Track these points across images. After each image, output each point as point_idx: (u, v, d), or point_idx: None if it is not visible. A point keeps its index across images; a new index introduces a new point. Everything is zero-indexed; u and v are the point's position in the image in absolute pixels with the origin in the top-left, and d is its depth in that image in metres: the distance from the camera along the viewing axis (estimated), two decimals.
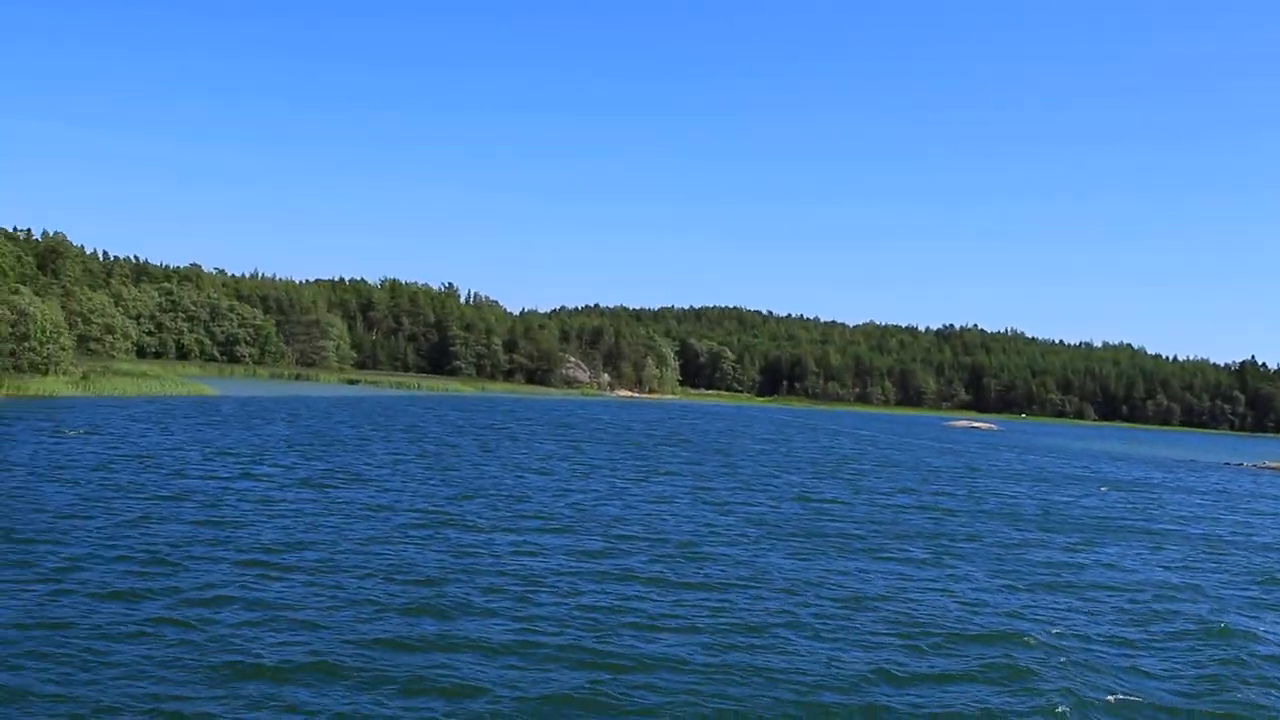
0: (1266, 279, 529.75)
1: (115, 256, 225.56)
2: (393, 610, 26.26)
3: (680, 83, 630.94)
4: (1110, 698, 22.29)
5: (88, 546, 31.01)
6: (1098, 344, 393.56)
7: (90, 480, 45.21)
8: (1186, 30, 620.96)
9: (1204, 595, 34.63)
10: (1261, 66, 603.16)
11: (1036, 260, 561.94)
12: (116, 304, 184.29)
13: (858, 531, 45.81)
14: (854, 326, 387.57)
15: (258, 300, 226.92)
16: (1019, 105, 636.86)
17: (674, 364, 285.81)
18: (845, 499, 58.61)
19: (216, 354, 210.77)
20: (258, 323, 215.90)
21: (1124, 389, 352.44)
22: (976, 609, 30.17)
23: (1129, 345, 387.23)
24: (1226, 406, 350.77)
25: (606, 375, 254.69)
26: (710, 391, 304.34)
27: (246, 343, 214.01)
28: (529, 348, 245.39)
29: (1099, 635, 28.03)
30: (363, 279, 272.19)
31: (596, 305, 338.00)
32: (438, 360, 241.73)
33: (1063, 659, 24.91)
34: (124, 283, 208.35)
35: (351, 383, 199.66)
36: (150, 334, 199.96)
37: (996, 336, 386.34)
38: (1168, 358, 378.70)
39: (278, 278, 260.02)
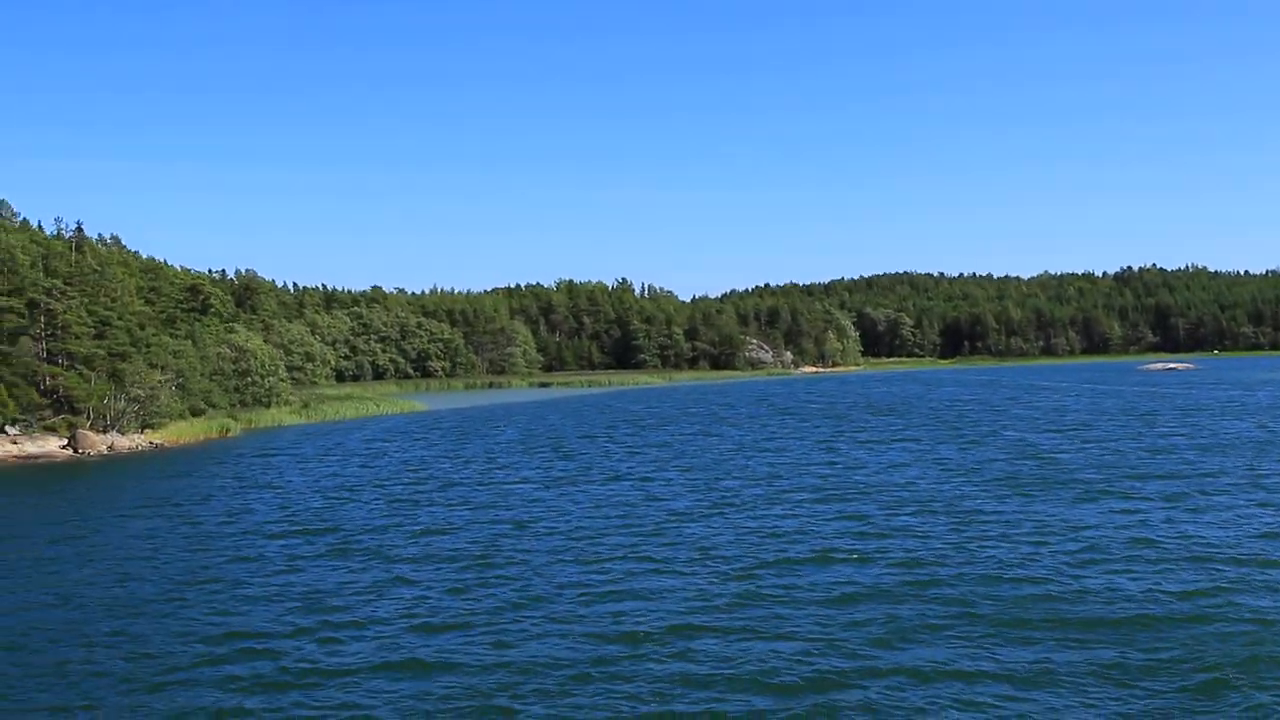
0: None
1: (304, 287, 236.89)
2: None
3: (847, 63, 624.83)
4: None
5: (428, 550, 34.58)
6: None
7: (377, 496, 49.15)
8: None
9: None
10: None
11: (1211, 189, 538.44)
12: (312, 332, 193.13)
13: (1111, 476, 46.81)
14: (1029, 279, 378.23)
15: (443, 315, 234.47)
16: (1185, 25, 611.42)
17: (854, 335, 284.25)
18: (1083, 447, 59.47)
19: (410, 370, 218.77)
20: (446, 336, 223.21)
21: None
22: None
23: None
24: None
25: (789, 353, 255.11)
26: (892, 359, 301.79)
27: (438, 357, 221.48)
28: (710, 334, 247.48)
29: None
30: (539, 283, 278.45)
31: (766, 285, 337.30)
32: (622, 355, 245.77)
33: None
34: (316, 311, 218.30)
35: (544, 385, 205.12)
36: (346, 358, 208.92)
37: (1178, 274, 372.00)
38: None
39: (457, 291, 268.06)
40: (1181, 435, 65.89)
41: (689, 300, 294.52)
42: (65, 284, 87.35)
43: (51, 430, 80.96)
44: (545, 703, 20.15)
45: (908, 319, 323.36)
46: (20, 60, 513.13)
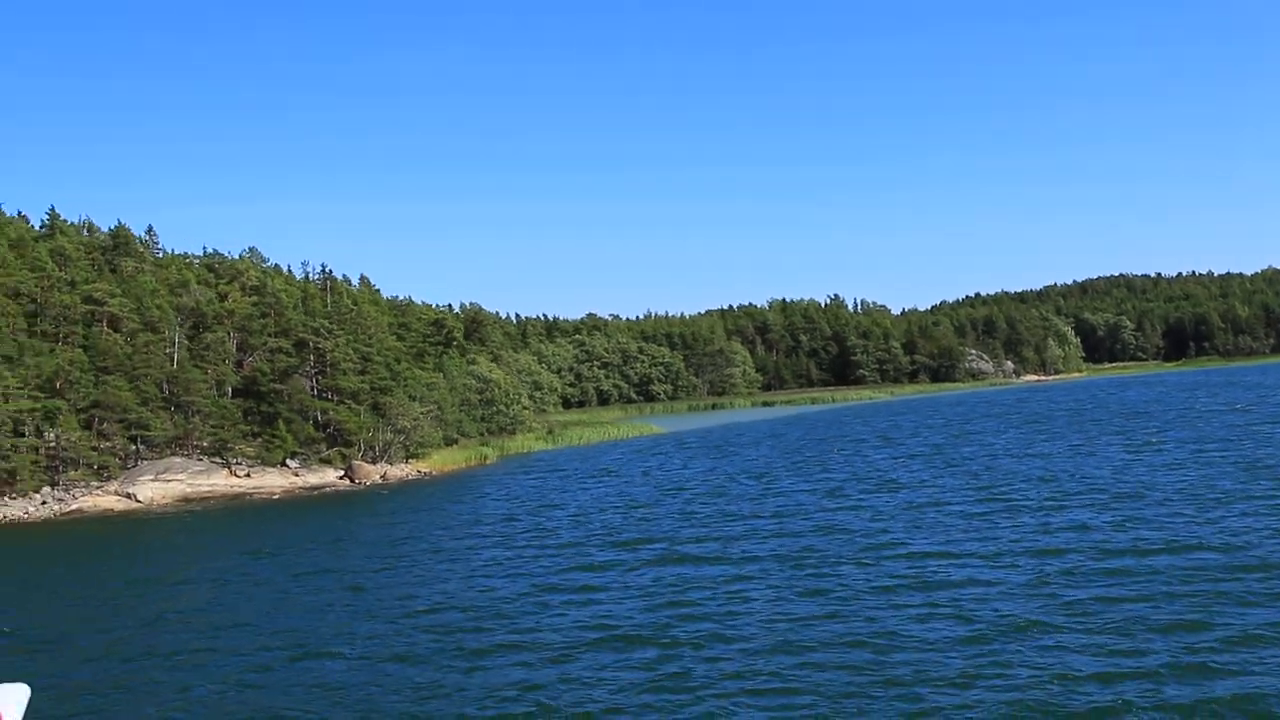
0: None
1: (526, 317, 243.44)
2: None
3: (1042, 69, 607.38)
4: None
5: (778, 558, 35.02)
6: None
7: (669, 509, 50.06)
8: None
9: None
10: None
11: None
12: (539, 361, 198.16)
13: None
14: (1253, 275, 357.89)
15: (661, 338, 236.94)
16: None
17: (1074, 341, 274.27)
18: None
19: (633, 394, 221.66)
20: (667, 360, 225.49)
21: None
22: None
23: None
24: None
25: (1009, 362, 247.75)
26: (1114, 365, 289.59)
27: (659, 380, 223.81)
28: (928, 346, 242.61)
29: None
30: (752, 303, 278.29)
31: (977, 294, 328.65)
32: (840, 371, 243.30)
33: None
34: (540, 340, 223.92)
35: (767, 404, 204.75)
36: (571, 385, 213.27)
37: None
38: None
39: (673, 315, 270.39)
40: None
41: (900, 313, 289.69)
42: (329, 323, 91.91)
43: (327, 462, 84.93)
44: (949, 689, 20.57)
45: (1128, 322, 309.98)
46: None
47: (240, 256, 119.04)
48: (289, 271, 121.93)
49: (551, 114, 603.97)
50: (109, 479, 73.56)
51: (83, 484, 72.20)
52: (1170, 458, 56.77)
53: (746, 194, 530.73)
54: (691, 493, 57.54)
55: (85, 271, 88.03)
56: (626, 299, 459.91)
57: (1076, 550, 32.49)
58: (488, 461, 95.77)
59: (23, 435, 71.33)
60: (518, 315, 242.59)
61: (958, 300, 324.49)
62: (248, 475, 78.98)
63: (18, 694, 13.21)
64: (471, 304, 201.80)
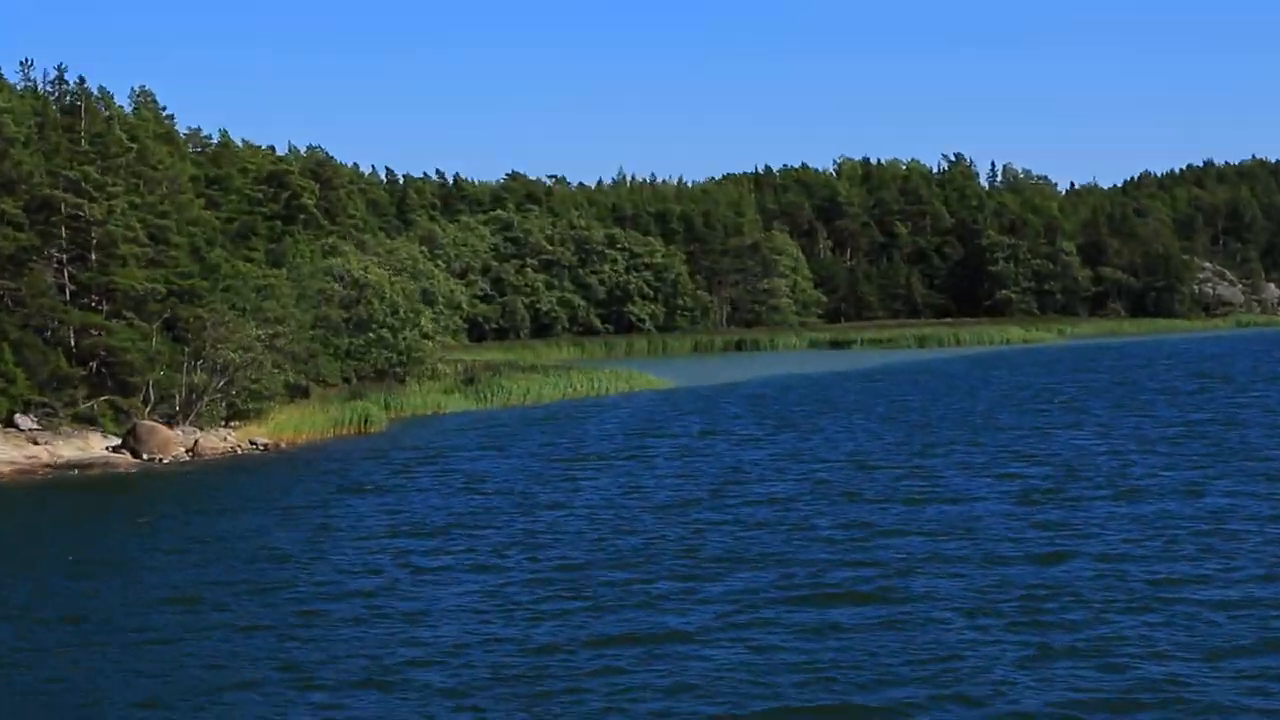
0: None
1: (408, 176, 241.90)
2: None
3: None
4: None
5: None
6: None
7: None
8: None
9: None
10: None
11: None
12: (430, 253, 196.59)
13: None
14: None
15: (648, 222, 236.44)
16: None
17: None
18: None
19: (595, 320, 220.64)
20: (659, 259, 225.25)
21: None
22: None
23: None
24: None
25: (1273, 286, 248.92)
26: None
27: (643, 296, 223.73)
28: (1125, 252, 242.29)
29: None
30: (806, 164, 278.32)
31: (1209, 164, 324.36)
32: (967, 290, 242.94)
33: None
34: (432, 218, 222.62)
35: (837, 345, 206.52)
36: (484, 298, 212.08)
37: None
38: None
39: (666, 180, 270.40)
40: None
41: (1071, 191, 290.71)
42: (94, 169, 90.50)
43: (88, 421, 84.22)
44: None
45: None
46: None
47: None
48: (4, 80, 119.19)
49: None
50: None
51: None
52: None
53: None
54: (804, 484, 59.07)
55: None
56: (583, 152, 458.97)
57: None
58: (371, 429, 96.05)
59: None
60: (390, 173, 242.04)
61: (1174, 172, 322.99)
62: None
63: None
64: (313, 149, 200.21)
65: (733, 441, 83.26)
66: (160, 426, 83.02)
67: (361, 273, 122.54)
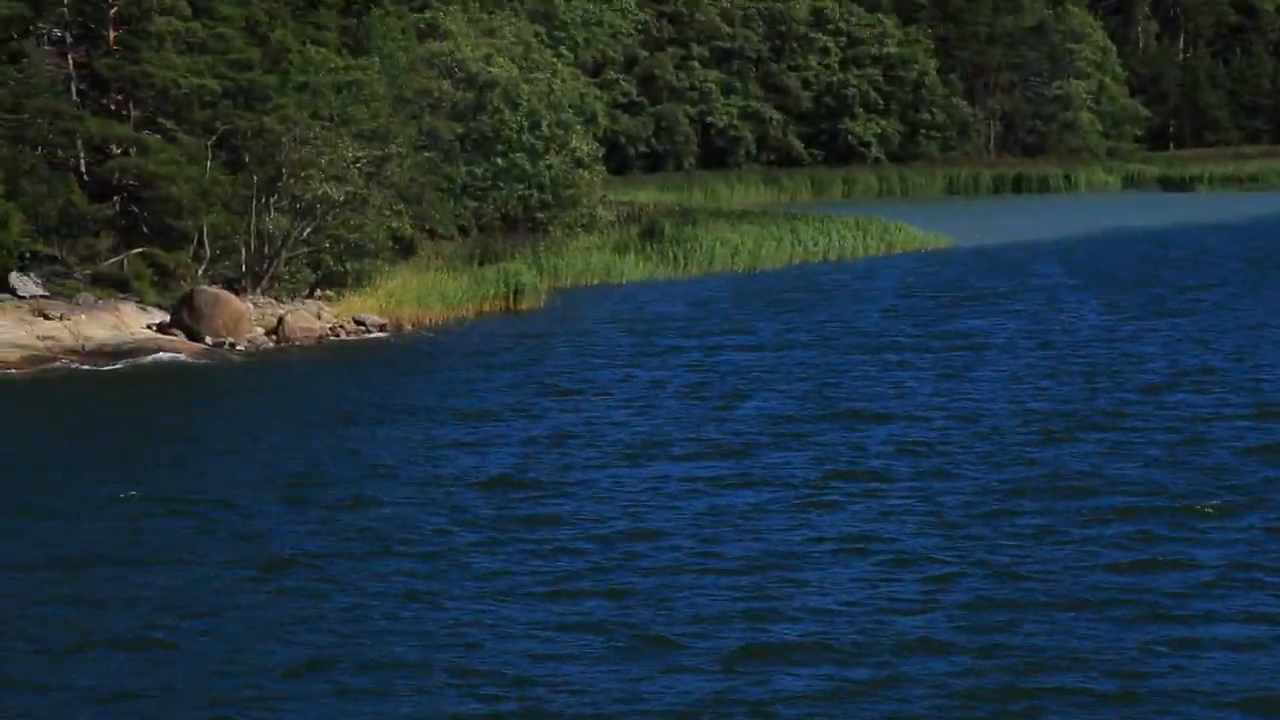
0: None
1: None
2: None
3: None
4: None
5: None
6: None
7: None
8: None
9: None
10: None
11: None
12: (548, 36, 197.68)
13: None
14: None
15: None
16: None
17: None
18: None
19: (795, 146, 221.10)
20: (893, 50, 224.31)
21: None
22: None
23: None
24: None
25: None
26: None
27: (869, 107, 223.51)
28: None
29: None
30: None
31: None
32: None
33: None
34: None
35: (1169, 184, 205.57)
36: (624, 107, 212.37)
37: None
38: None
39: None
40: None
41: None
42: None
43: (116, 284, 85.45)
44: None
45: None
46: None
47: None
48: None
49: None
50: None
51: None
52: None
53: None
54: None
55: None
56: None
57: None
58: (522, 305, 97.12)
59: None
60: None
61: None
62: None
63: None
64: None
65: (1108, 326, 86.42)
66: (228, 295, 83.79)
67: (481, 64, 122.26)
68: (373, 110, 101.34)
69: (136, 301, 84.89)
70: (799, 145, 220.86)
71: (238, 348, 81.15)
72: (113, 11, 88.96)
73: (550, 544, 43.83)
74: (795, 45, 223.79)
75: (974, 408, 64.86)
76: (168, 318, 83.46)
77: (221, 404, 70.18)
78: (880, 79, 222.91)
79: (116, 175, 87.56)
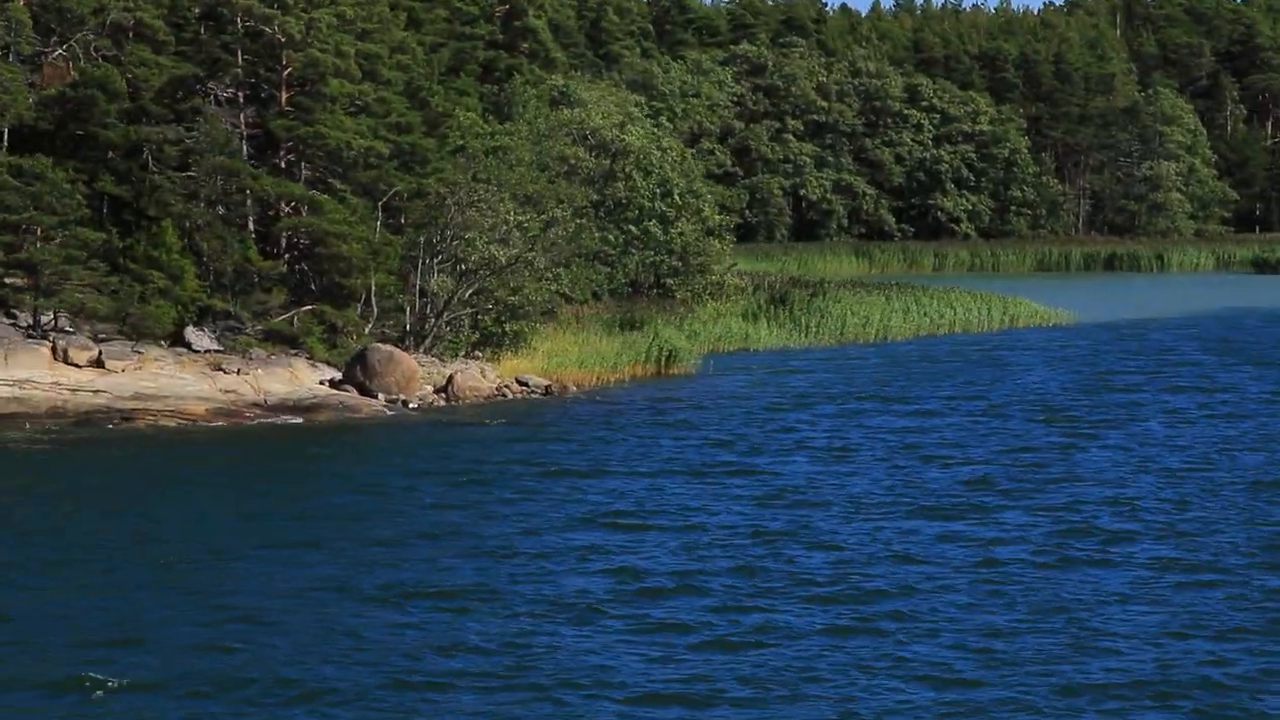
0: None
1: None
2: None
3: None
4: None
5: None
6: None
7: None
8: None
9: None
10: None
11: None
12: (647, 104, 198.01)
13: None
14: None
15: (968, 64, 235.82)
16: None
17: None
18: None
19: (887, 219, 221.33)
20: (986, 126, 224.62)
21: None
22: None
23: None
24: None
25: None
26: None
27: (960, 184, 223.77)
28: None
29: None
30: None
31: None
32: None
33: None
34: (653, 48, 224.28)
35: (1268, 267, 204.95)
36: (720, 180, 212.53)
37: None
38: None
39: (976, 5, 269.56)
40: None
41: None
42: None
43: (286, 341, 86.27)
44: None
45: None
46: None
47: None
48: None
49: None
50: None
51: None
52: None
53: None
54: None
55: None
56: None
57: None
58: (674, 369, 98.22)
59: None
60: None
61: None
62: (97, 363, 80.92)
63: None
64: None
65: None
66: (400, 353, 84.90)
67: (615, 132, 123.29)
68: (518, 175, 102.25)
69: (306, 357, 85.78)
70: (890, 219, 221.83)
71: (410, 405, 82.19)
72: (285, 73, 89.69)
73: (806, 590, 44.84)
74: (889, 121, 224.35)
75: (1178, 468, 66.59)
76: (337, 374, 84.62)
77: (423, 458, 70.10)
78: (973, 156, 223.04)
79: (288, 233, 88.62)
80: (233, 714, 33.95)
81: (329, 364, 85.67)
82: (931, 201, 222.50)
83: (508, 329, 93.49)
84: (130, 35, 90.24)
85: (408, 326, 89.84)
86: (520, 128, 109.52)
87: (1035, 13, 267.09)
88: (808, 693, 35.52)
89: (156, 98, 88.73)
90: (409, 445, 74.25)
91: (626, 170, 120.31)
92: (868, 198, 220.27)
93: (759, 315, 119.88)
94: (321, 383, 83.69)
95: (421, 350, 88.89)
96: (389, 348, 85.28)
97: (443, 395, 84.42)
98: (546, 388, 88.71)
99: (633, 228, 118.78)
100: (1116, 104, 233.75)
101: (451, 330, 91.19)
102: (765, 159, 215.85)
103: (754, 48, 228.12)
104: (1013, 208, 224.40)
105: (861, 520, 55.78)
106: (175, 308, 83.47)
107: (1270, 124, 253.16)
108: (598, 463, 68.35)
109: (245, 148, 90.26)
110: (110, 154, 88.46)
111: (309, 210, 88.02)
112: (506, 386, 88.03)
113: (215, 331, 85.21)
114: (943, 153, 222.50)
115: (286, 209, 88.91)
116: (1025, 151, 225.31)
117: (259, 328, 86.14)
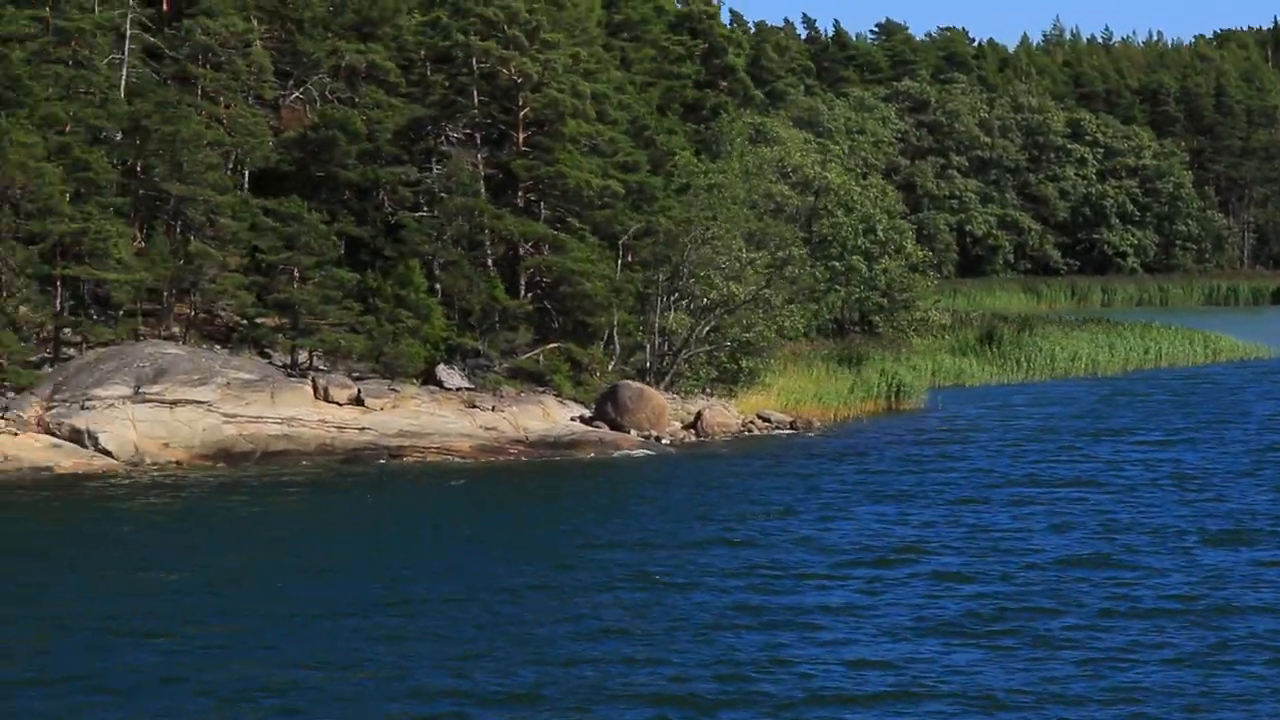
0: None
1: (774, 26, 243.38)
2: None
3: None
4: None
5: None
6: None
7: None
8: None
9: None
10: None
11: None
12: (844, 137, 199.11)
13: None
14: None
15: (1129, 98, 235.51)
16: None
17: None
18: None
19: (1054, 254, 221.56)
20: (1149, 161, 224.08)
21: None
22: None
23: None
24: None
25: None
26: None
27: (1125, 218, 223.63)
28: None
29: None
30: None
31: None
32: None
33: None
34: (839, 83, 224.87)
35: None
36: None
37: None
38: None
39: (1126, 38, 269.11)
40: None
41: None
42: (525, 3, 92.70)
43: (532, 378, 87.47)
44: None
45: None
46: None
47: None
48: None
49: None
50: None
51: None
52: None
53: None
54: None
55: None
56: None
57: None
58: (904, 404, 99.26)
59: None
60: (737, 17, 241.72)
61: None
62: (357, 401, 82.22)
63: None
64: None
65: None
66: (651, 390, 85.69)
67: (817, 169, 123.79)
68: (733, 213, 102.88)
69: (554, 394, 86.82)
70: (1055, 254, 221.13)
71: (662, 441, 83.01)
72: (523, 113, 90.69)
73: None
74: (1052, 155, 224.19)
75: None
76: (585, 410, 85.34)
77: (713, 489, 71.84)
78: (1137, 190, 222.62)
79: (530, 272, 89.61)
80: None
81: (576, 400, 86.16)
82: (1097, 236, 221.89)
83: (743, 365, 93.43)
84: (363, 77, 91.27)
85: (648, 363, 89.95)
86: (733, 165, 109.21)
87: (1187, 44, 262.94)
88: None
89: (393, 139, 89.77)
90: (686, 478, 75.44)
91: (829, 207, 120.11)
92: (1033, 233, 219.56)
93: (967, 351, 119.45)
94: (573, 419, 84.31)
95: (662, 387, 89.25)
96: (639, 385, 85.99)
97: (692, 431, 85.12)
98: (791, 423, 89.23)
99: (837, 264, 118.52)
100: (1279, 137, 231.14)
101: (690, 367, 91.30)
102: (931, 195, 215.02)
103: (916, 84, 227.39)
104: (1178, 242, 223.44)
105: (1175, 548, 56.46)
106: (425, 346, 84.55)
107: None
108: (892, 491, 69.69)
109: (481, 187, 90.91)
110: (346, 194, 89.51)
111: (551, 249, 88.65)
112: (751, 423, 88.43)
113: (465, 369, 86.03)
114: (1107, 187, 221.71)
115: (528, 248, 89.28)
116: (1189, 186, 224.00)
117: (506, 365, 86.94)
